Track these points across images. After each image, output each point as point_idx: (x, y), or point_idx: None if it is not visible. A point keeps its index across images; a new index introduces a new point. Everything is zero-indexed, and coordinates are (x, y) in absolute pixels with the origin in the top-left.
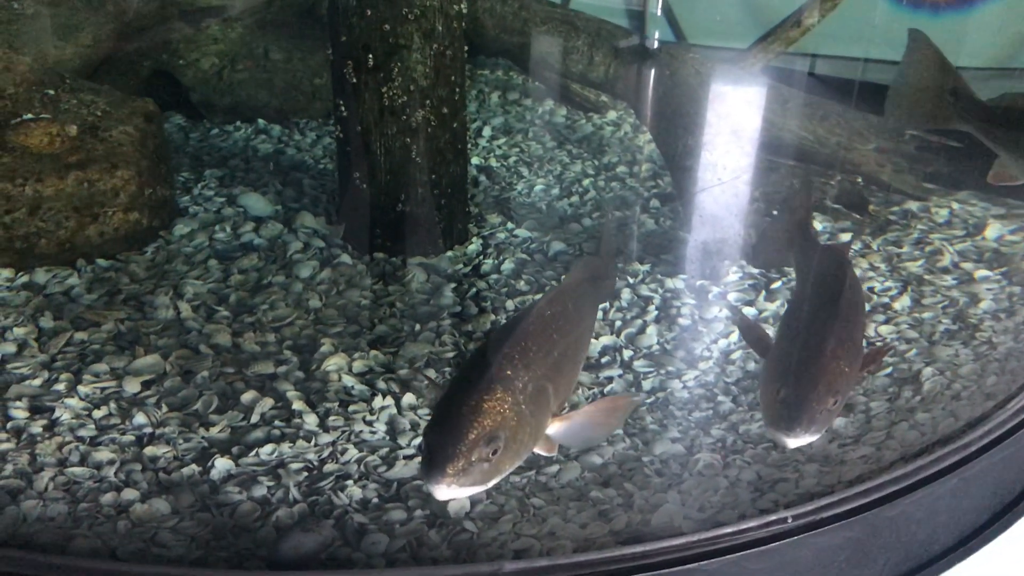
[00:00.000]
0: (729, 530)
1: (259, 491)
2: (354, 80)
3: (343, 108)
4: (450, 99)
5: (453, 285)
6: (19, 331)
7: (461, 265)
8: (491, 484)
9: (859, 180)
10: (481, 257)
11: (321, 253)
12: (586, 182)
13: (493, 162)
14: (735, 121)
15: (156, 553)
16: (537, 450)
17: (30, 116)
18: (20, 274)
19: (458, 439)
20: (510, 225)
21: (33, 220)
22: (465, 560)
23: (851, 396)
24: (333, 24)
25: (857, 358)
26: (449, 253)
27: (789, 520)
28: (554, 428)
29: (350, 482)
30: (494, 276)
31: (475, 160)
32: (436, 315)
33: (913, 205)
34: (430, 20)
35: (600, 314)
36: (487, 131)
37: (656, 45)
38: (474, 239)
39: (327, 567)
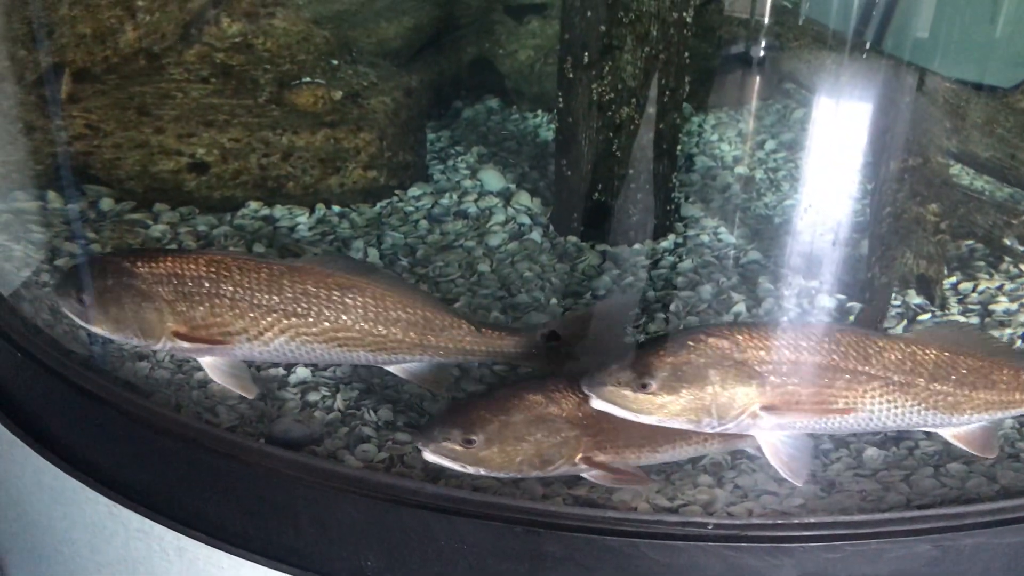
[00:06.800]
0: None
1: (314, 396)
2: (570, 75)
3: (560, 100)
4: (658, 100)
5: (618, 272)
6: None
7: (643, 257)
8: None
9: None
10: (666, 254)
11: (519, 228)
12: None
13: (759, 174)
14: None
15: (205, 418)
16: None
17: (307, 80)
18: (264, 207)
19: None
20: (722, 230)
21: (284, 165)
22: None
23: None
24: (562, 23)
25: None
26: (638, 245)
27: None
28: None
29: (388, 406)
30: (662, 271)
31: (739, 169)
32: (581, 294)
33: None
34: (644, 25)
35: None
36: (770, 144)
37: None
38: (671, 236)
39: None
